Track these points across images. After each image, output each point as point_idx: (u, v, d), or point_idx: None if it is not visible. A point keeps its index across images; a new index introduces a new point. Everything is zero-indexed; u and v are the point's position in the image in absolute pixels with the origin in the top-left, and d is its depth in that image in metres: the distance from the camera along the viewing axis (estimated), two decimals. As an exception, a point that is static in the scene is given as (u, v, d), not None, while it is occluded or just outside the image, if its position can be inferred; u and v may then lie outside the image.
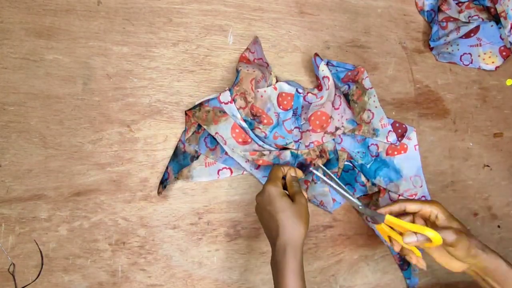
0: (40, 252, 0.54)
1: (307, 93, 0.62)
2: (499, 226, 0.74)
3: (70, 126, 0.57)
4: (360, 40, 0.70)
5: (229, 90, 0.59)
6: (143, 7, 0.61)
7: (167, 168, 0.58)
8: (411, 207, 0.52)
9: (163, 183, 0.58)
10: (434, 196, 0.69)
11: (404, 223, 0.49)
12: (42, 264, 0.54)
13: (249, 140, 0.60)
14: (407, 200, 0.53)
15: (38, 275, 0.54)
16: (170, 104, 0.60)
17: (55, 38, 0.57)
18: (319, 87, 0.64)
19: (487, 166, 0.74)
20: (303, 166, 0.62)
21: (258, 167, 0.61)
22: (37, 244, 0.54)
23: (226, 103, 0.59)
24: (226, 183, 0.62)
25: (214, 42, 0.63)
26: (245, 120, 0.59)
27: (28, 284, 0.54)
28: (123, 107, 0.59)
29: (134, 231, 0.58)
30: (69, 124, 0.57)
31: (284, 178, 0.54)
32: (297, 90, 0.62)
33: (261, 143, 0.60)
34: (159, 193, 0.57)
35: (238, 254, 0.61)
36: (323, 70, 0.61)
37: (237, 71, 0.59)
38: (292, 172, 0.54)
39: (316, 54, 0.62)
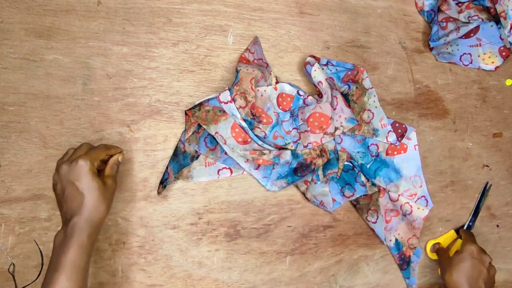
0: (40, 252, 0.54)
1: (308, 96, 0.62)
2: (498, 226, 0.74)
3: (70, 126, 0.57)
4: (360, 40, 0.70)
5: (229, 89, 0.59)
6: (143, 7, 0.61)
7: (167, 168, 0.58)
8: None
9: (163, 183, 0.58)
10: (434, 196, 0.69)
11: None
12: (42, 264, 0.54)
13: (249, 139, 0.60)
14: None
15: (38, 275, 0.54)
16: (170, 104, 0.60)
17: (55, 38, 0.57)
18: (319, 94, 0.64)
19: (487, 166, 0.74)
20: (303, 166, 0.62)
21: (257, 167, 0.61)
22: (37, 244, 0.54)
23: (226, 103, 0.59)
24: (226, 183, 0.62)
25: (214, 42, 0.63)
26: (244, 120, 0.59)
27: (28, 284, 0.54)
28: (123, 107, 0.59)
29: (134, 231, 0.58)
30: (69, 124, 0.57)
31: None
32: (298, 92, 0.62)
33: (260, 142, 0.60)
34: (159, 193, 0.57)
35: (238, 254, 0.61)
36: (315, 76, 0.61)
37: (237, 71, 0.59)
38: (120, 158, 0.53)
39: (307, 63, 0.62)
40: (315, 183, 0.64)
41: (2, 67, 0.55)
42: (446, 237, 0.70)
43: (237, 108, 0.59)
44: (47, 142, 0.56)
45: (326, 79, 0.62)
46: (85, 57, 0.58)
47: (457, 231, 0.70)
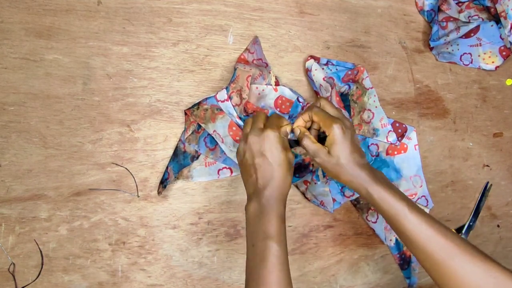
0: (40, 252, 0.54)
1: (307, 103, 0.62)
2: (498, 226, 0.74)
3: (70, 126, 0.57)
4: (360, 40, 0.70)
5: (226, 88, 0.59)
6: (143, 7, 0.61)
7: (167, 168, 0.58)
8: (315, 117, 0.52)
9: (163, 183, 0.58)
10: (434, 196, 0.69)
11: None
12: (42, 264, 0.54)
13: None
14: (315, 111, 0.52)
15: (38, 275, 0.54)
16: (170, 104, 0.60)
17: (55, 38, 0.57)
18: None
19: (487, 166, 0.74)
20: (301, 167, 0.62)
21: None
22: (37, 244, 0.54)
23: (223, 101, 0.59)
24: (226, 182, 0.62)
25: (214, 42, 0.63)
26: (240, 118, 0.60)
27: (28, 284, 0.54)
28: (123, 107, 0.59)
29: (134, 231, 0.58)
30: (69, 124, 0.57)
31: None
32: (298, 99, 0.62)
33: None
34: (159, 193, 0.57)
35: (238, 254, 0.61)
36: (316, 80, 0.62)
37: (234, 69, 0.60)
38: (288, 129, 0.53)
39: (308, 70, 0.62)
40: (315, 183, 0.64)
41: (2, 67, 0.55)
42: None
43: (233, 106, 0.59)
44: (47, 142, 0.56)
45: (324, 78, 0.62)
46: (85, 57, 0.58)
47: (457, 230, 0.70)
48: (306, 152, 0.62)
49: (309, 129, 0.54)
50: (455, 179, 0.72)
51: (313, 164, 0.62)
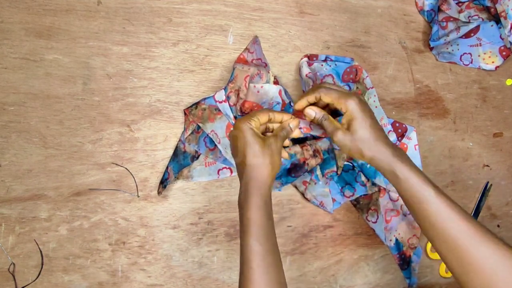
0: (40, 252, 0.54)
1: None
2: (498, 226, 0.74)
3: (70, 126, 0.57)
4: (360, 40, 0.70)
5: (224, 88, 0.59)
6: (143, 7, 0.61)
7: (167, 168, 0.58)
8: (326, 98, 0.51)
9: (163, 183, 0.58)
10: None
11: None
12: (42, 264, 0.54)
13: None
14: (329, 89, 0.51)
15: (38, 275, 0.54)
16: (170, 104, 0.60)
17: (55, 38, 0.57)
18: None
19: (487, 166, 0.74)
20: (297, 166, 0.62)
21: None
22: (37, 244, 0.54)
23: (221, 102, 0.59)
24: (226, 182, 0.62)
25: (214, 42, 0.63)
26: (236, 118, 0.60)
27: (28, 284, 0.54)
28: (123, 107, 0.59)
29: (134, 231, 0.58)
30: (69, 124, 0.57)
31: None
32: (290, 103, 0.62)
33: None
34: (159, 193, 0.57)
35: (238, 254, 0.61)
36: (300, 70, 0.63)
37: (233, 69, 0.60)
38: (291, 124, 0.52)
39: (306, 75, 0.63)
40: (315, 183, 0.64)
41: (2, 67, 0.55)
42: None
43: (230, 106, 0.59)
44: (47, 142, 0.56)
45: (307, 74, 0.62)
46: (85, 57, 0.58)
47: None
48: (300, 151, 0.62)
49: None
50: (455, 179, 0.72)
51: (308, 164, 0.62)
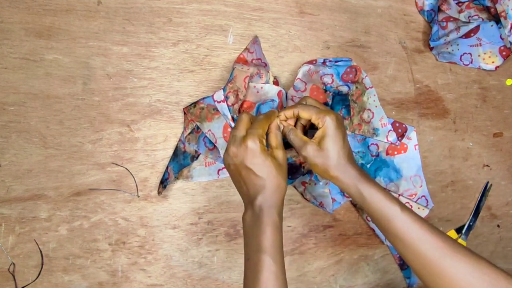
0: (40, 252, 0.54)
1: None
2: (498, 226, 0.74)
3: (70, 126, 0.57)
4: (360, 40, 0.70)
5: (223, 88, 0.59)
6: (143, 7, 0.61)
7: (167, 168, 0.58)
8: (304, 114, 0.50)
9: (163, 183, 0.58)
10: (434, 196, 0.69)
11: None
12: (42, 264, 0.54)
13: None
14: (302, 106, 0.50)
15: (38, 275, 0.54)
16: (170, 104, 0.60)
17: (55, 38, 0.57)
18: None
19: (487, 166, 0.74)
20: (293, 168, 0.62)
21: None
22: (37, 244, 0.54)
23: (219, 102, 0.59)
24: (226, 182, 0.62)
25: (214, 42, 0.63)
26: (233, 119, 0.60)
27: (28, 284, 0.54)
28: (123, 107, 0.59)
29: (134, 231, 0.58)
30: (69, 124, 0.57)
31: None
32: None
33: None
34: (159, 193, 0.57)
35: (238, 254, 0.61)
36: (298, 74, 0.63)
37: (232, 69, 0.60)
38: (278, 121, 0.51)
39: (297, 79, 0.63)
40: (315, 184, 0.64)
41: (2, 67, 0.55)
42: None
43: (229, 106, 0.59)
44: (47, 142, 0.56)
45: (298, 78, 0.63)
46: (85, 57, 0.58)
47: (457, 230, 0.70)
48: (296, 155, 0.62)
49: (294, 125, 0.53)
50: (455, 179, 0.72)
51: (304, 166, 0.62)
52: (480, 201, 0.72)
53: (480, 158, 0.73)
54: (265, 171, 0.46)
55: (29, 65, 0.56)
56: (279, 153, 0.48)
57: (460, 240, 0.67)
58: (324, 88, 0.64)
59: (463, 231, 0.70)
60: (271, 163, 0.46)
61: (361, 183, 0.47)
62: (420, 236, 0.44)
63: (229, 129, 0.59)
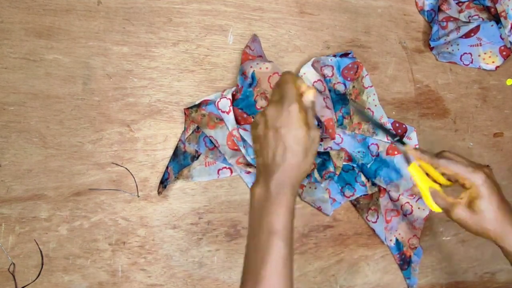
0: (40, 252, 0.54)
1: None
2: (499, 226, 0.73)
3: (70, 126, 0.57)
4: (360, 40, 0.70)
5: (226, 95, 0.58)
6: (143, 7, 0.61)
7: (167, 168, 0.58)
8: (447, 170, 0.46)
9: (163, 183, 0.58)
10: (434, 196, 0.69)
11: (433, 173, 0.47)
12: (42, 264, 0.54)
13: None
14: (450, 160, 0.47)
15: (38, 275, 0.54)
16: (170, 104, 0.60)
17: (55, 38, 0.57)
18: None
19: (487, 166, 0.74)
20: None
21: (248, 172, 0.61)
22: (37, 244, 0.54)
23: (224, 112, 0.58)
24: (226, 182, 0.62)
25: (214, 42, 0.63)
26: (238, 129, 0.59)
27: (28, 284, 0.54)
28: (123, 107, 0.59)
29: (134, 231, 0.58)
30: (69, 124, 0.57)
31: None
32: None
33: (249, 159, 0.59)
34: (159, 193, 0.57)
35: (238, 254, 0.61)
36: (306, 78, 0.62)
37: (252, 74, 0.59)
38: (312, 95, 0.43)
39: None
40: (316, 188, 0.63)
41: (2, 67, 0.55)
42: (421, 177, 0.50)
43: (257, 109, 0.59)
44: (47, 142, 0.56)
45: (314, 82, 0.62)
46: (85, 57, 0.58)
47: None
48: None
49: None
50: (456, 179, 0.72)
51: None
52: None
53: (480, 158, 0.73)
54: (297, 147, 0.40)
55: (29, 65, 0.56)
56: (315, 134, 0.42)
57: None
58: (324, 80, 0.64)
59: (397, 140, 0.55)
60: (307, 141, 0.41)
61: None
62: None
63: (234, 138, 0.58)
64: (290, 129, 0.40)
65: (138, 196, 0.58)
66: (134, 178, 0.58)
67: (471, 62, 0.74)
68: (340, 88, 0.65)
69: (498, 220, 0.45)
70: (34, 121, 0.56)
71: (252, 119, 0.60)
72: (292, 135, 0.40)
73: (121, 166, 0.58)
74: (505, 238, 0.45)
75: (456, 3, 0.73)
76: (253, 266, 0.41)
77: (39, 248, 0.54)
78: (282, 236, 0.40)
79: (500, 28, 0.71)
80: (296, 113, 0.40)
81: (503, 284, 0.73)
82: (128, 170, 0.58)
